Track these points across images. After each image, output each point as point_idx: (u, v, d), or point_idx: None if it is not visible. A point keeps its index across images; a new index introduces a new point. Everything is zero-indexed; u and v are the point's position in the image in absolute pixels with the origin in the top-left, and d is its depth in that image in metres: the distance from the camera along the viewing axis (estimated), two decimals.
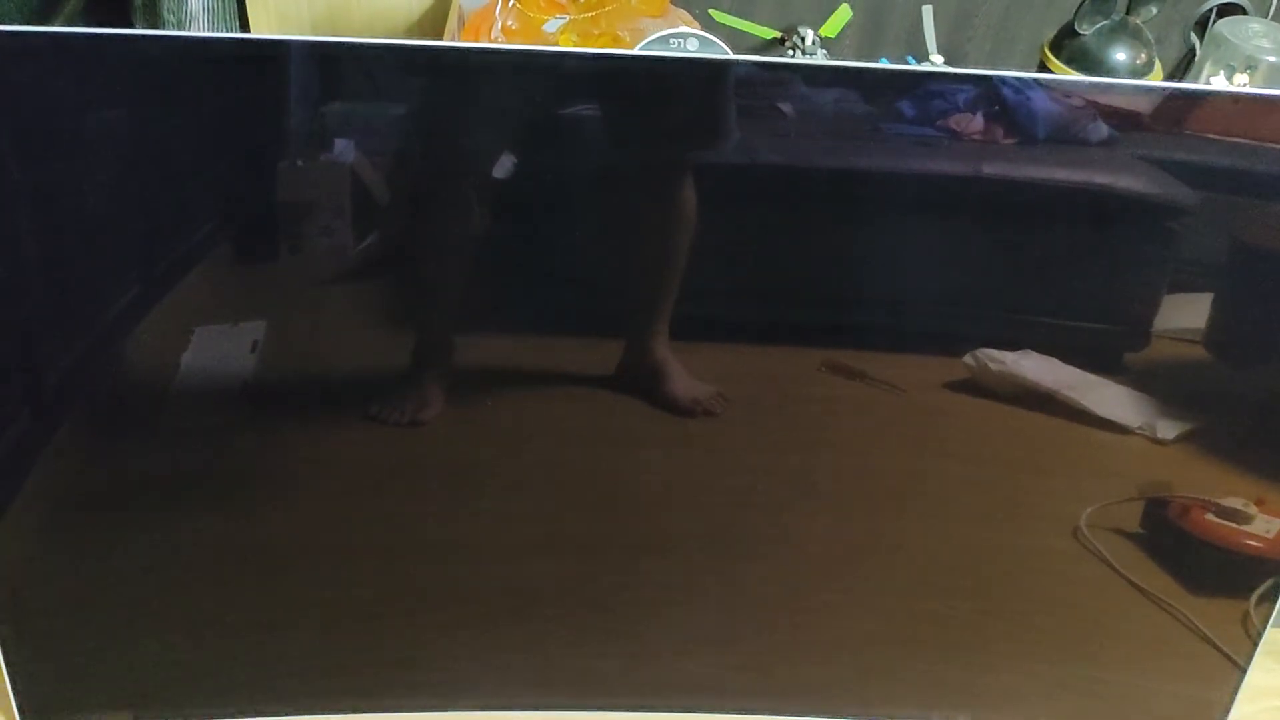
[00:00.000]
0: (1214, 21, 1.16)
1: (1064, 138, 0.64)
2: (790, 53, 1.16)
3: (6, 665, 0.75)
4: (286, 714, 0.81)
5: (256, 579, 0.76)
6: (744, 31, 1.18)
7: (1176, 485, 0.75)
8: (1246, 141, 0.65)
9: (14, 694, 0.77)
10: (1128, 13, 1.10)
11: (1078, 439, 0.72)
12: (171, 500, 0.72)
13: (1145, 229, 0.68)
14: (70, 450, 0.70)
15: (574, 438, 0.73)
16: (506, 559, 0.77)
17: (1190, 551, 0.76)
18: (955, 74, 0.65)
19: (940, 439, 0.73)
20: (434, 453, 0.72)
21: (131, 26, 1.06)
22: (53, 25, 0.98)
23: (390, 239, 0.67)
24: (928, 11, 1.20)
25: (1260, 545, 0.76)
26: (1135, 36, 1.10)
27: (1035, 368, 0.70)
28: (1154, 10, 1.10)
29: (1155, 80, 1.11)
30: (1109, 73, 1.09)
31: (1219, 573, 0.78)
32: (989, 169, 0.65)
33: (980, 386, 0.70)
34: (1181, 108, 0.65)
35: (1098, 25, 1.09)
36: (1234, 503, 0.74)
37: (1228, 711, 0.82)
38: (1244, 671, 0.80)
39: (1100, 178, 0.65)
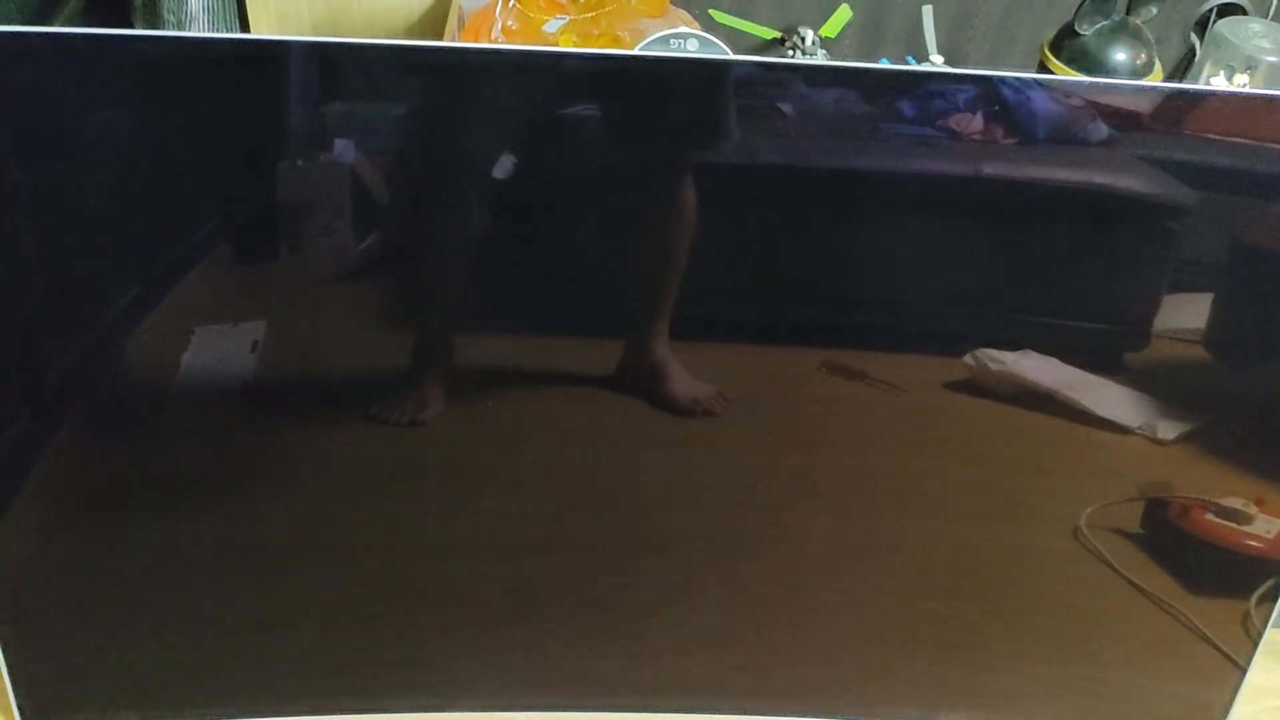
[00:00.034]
0: (1214, 21, 1.16)
1: (1064, 138, 0.64)
2: (790, 53, 1.16)
3: (6, 665, 0.75)
4: (286, 714, 0.81)
5: (257, 579, 0.76)
6: (744, 31, 1.18)
7: (1176, 485, 0.75)
8: (1246, 141, 0.65)
9: (14, 694, 0.77)
10: (1128, 13, 1.10)
11: (1078, 439, 0.72)
12: (172, 500, 0.72)
13: (1145, 229, 0.68)
14: (70, 450, 0.70)
15: (574, 438, 0.73)
16: (506, 559, 0.77)
17: (1190, 551, 0.76)
18: (955, 74, 0.65)
19: (940, 439, 0.73)
20: (434, 453, 0.72)
21: (131, 27, 1.06)
22: (53, 25, 0.98)
23: (390, 239, 0.67)
24: (928, 11, 1.20)
25: (1260, 545, 0.76)
26: (1135, 37, 1.10)
27: (1035, 368, 0.70)
28: (1154, 10, 1.10)
29: (1155, 80, 1.11)
30: (1109, 73, 1.09)
31: (1219, 573, 0.78)
32: (989, 169, 0.65)
33: (980, 386, 0.70)
34: (1181, 108, 0.65)
35: (1098, 25, 1.09)
36: (1234, 503, 0.74)
37: (1228, 711, 0.82)
38: (1244, 671, 0.80)
39: (1100, 178, 0.65)
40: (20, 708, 0.77)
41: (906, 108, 0.63)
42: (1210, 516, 0.75)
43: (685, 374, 0.69)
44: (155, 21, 1.05)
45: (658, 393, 0.70)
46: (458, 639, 0.80)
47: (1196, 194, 0.66)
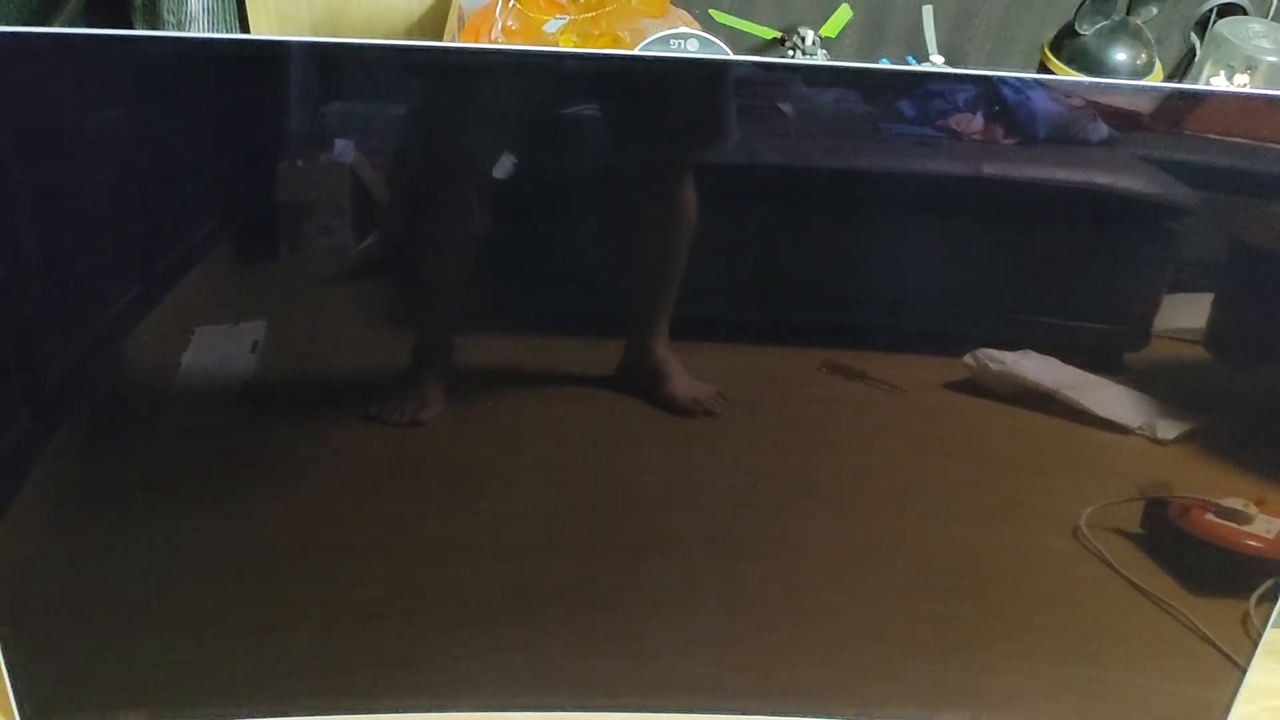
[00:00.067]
0: (1214, 22, 1.16)
1: (1064, 138, 0.64)
2: (790, 53, 1.16)
3: (6, 665, 0.75)
4: (286, 714, 0.81)
5: (257, 579, 0.76)
6: (744, 32, 1.18)
7: (1176, 485, 0.75)
8: (1246, 141, 0.65)
9: (14, 694, 0.77)
10: (1128, 13, 1.10)
11: (1078, 439, 0.72)
12: (172, 500, 0.72)
13: (1145, 229, 0.68)
14: (70, 450, 0.70)
15: (574, 438, 0.73)
16: (506, 559, 0.77)
17: (1190, 551, 0.76)
18: (955, 74, 0.65)
19: (940, 439, 0.73)
20: (434, 453, 0.72)
21: (131, 27, 1.06)
22: (52, 26, 0.98)
23: (390, 239, 0.67)
24: (928, 11, 1.20)
25: (1260, 545, 0.76)
26: (1135, 37, 1.10)
27: (1035, 368, 0.70)
28: (1154, 10, 1.10)
29: (1155, 80, 1.11)
30: (1109, 73, 1.09)
31: (1219, 573, 0.78)
32: (989, 169, 0.65)
33: (980, 386, 0.70)
34: (1181, 108, 0.65)
35: (1098, 25, 1.09)
36: (1234, 503, 0.74)
37: (1228, 711, 0.82)
38: (1244, 671, 0.80)
39: (1100, 178, 0.65)
40: (20, 708, 0.77)
41: (906, 108, 0.63)
42: (1210, 516, 0.75)
43: (685, 374, 0.69)
44: (155, 22, 1.05)
45: (658, 393, 0.70)
46: (458, 639, 0.80)
47: (1196, 194, 0.66)
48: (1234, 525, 0.75)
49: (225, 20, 1.08)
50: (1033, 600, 0.80)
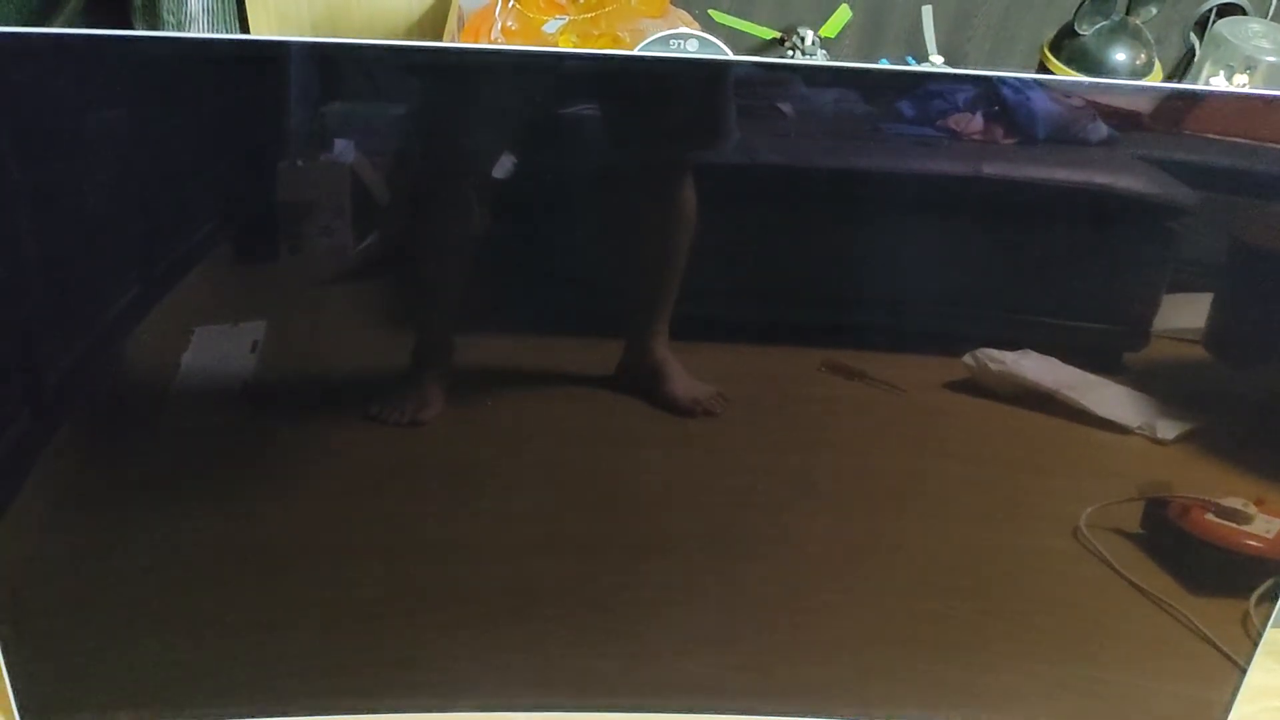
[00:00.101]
0: (1214, 22, 1.16)
1: (1064, 138, 0.64)
2: (790, 53, 1.16)
3: (6, 665, 0.75)
4: (286, 714, 0.81)
5: (257, 579, 0.76)
6: (744, 32, 1.18)
7: (1176, 485, 0.75)
8: (1246, 141, 0.65)
9: (14, 694, 0.77)
10: (1127, 13, 1.10)
11: (1078, 439, 0.72)
12: (171, 500, 0.72)
13: (1145, 229, 0.68)
14: (70, 450, 0.70)
15: (574, 438, 0.73)
16: (506, 559, 0.77)
17: (1190, 551, 0.76)
18: (955, 74, 0.65)
19: (940, 439, 0.73)
20: (434, 453, 0.72)
21: (131, 27, 1.06)
22: (52, 26, 0.98)
23: (390, 239, 0.67)
24: (927, 12, 1.20)
25: (1260, 545, 0.76)
26: (1135, 37, 1.10)
27: (1035, 368, 0.70)
28: (1154, 10, 1.10)
29: (1155, 80, 1.11)
30: (1109, 73, 1.09)
31: (1219, 573, 0.78)
32: (989, 169, 0.65)
33: (980, 386, 0.70)
34: (1181, 108, 0.65)
35: (1097, 25, 1.09)
36: (1234, 503, 0.74)
37: (1228, 711, 0.82)
38: (1244, 671, 0.80)
39: (1100, 178, 0.65)
40: (20, 708, 0.77)
41: (906, 108, 0.63)
42: (1210, 516, 0.75)
43: (685, 374, 0.69)
44: (155, 22, 1.05)
45: (658, 393, 0.70)
46: (458, 639, 0.80)
47: (1196, 194, 0.66)
48: (1234, 525, 0.75)
49: (225, 20, 1.08)
50: (1033, 600, 0.80)
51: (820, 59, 1.13)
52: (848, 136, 0.65)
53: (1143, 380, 0.71)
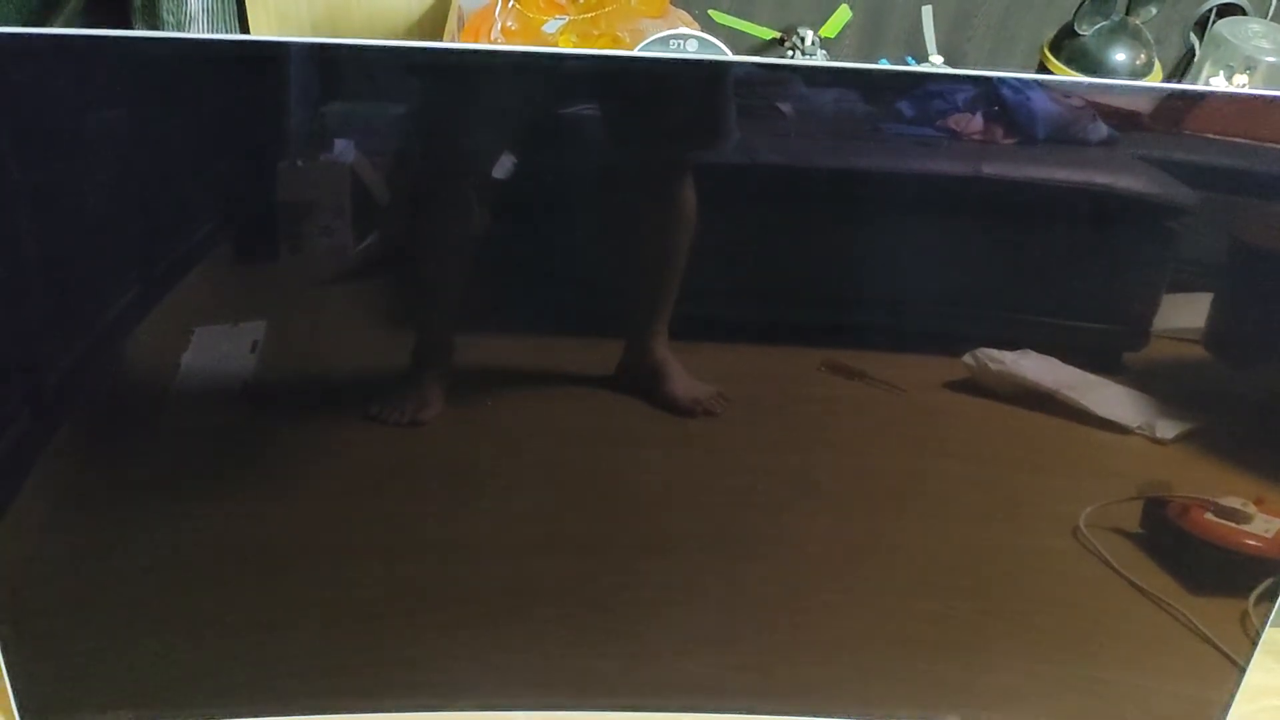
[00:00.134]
0: (1213, 22, 1.16)
1: (1064, 138, 0.64)
2: (790, 53, 1.16)
3: (6, 665, 0.75)
4: (286, 714, 0.81)
5: (257, 579, 0.76)
6: (743, 32, 1.18)
7: (1176, 485, 0.75)
8: (1246, 141, 0.65)
9: (14, 694, 0.77)
10: (1127, 13, 1.10)
11: (1078, 439, 0.72)
12: (171, 500, 0.72)
13: (1145, 229, 0.68)
14: (70, 450, 0.70)
15: (574, 438, 0.73)
16: (506, 559, 0.77)
17: (1189, 551, 0.76)
18: (955, 74, 0.65)
19: (940, 439, 0.73)
20: (434, 453, 0.72)
21: (131, 27, 1.06)
22: (52, 26, 0.98)
23: (390, 239, 0.67)
24: (927, 12, 1.20)
25: (1259, 545, 0.76)
26: (1135, 37, 1.10)
27: (1035, 367, 0.70)
28: (1153, 11, 1.10)
29: (1155, 80, 1.11)
30: (1109, 73, 1.09)
31: (1218, 572, 0.78)
32: (989, 169, 0.65)
33: (980, 386, 0.70)
34: (1181, 108, 0.65)
35: (1097, 26, 1.09)
36: (1233, 502, 0.75)
37: (1227, 711, 0.82)
38: (1243, 671, 0.80)
39: (1100, 178, 0.65)
40: (20, 708, 0.77)
41: (906, 108, 0.63)
42: (1209, 516, 0.75)
43: (685, 374, 0.69)
44: (155, 22, 1.05)
45: (658, 393, 0.70)
46: (458, 639, 0.80)
47: (1196, 194, 0.66)
48: (1233, 524, 0.75)
49: (225, 20, 1.08)
50: (1032, 600, 0.80)
51: (820, 59, 1.13)
52: (848, 136, 0.65)
53: (1142, 380, 0.71)
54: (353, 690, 0.81)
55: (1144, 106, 0.65)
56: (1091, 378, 0.70)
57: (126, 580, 0.75)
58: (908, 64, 1.17)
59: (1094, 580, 0.77)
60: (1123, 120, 0.64)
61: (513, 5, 0.99)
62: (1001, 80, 0.62)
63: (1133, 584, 0.77)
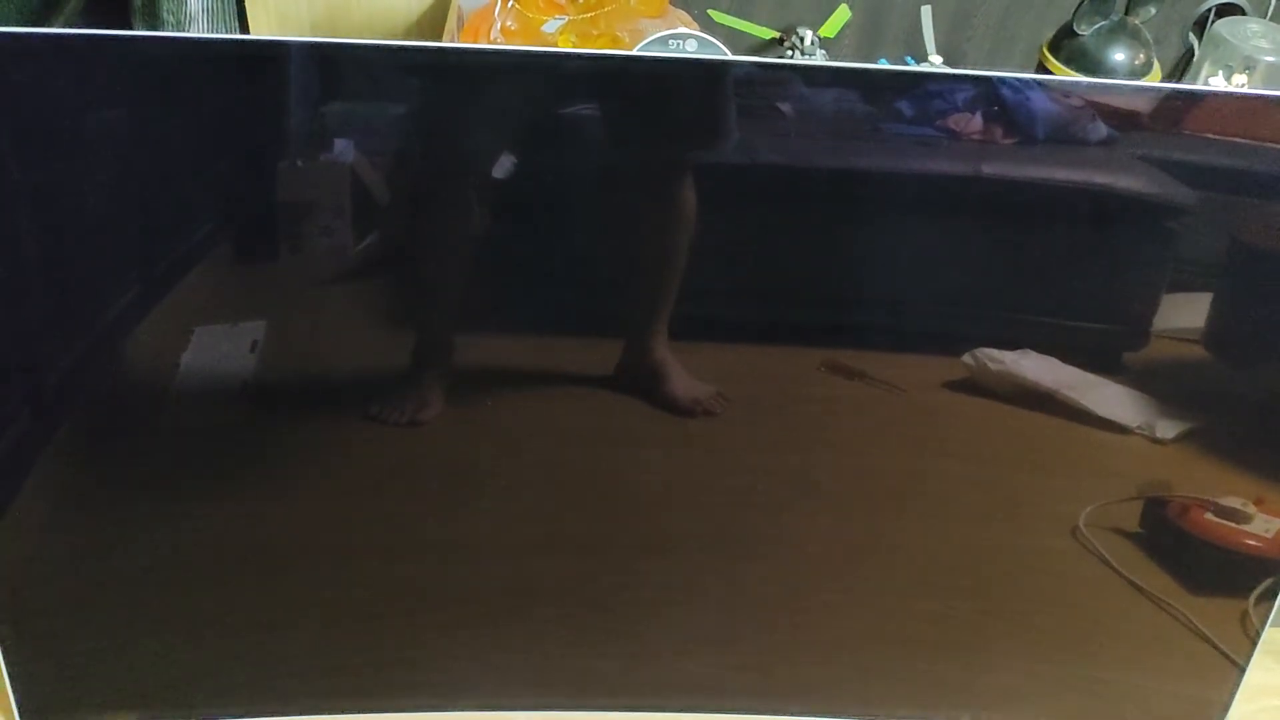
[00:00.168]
0: (1212, 22, 1.16)
1: (1063, 138, 0.64)
2: (789, 53, 1.16)
3: (6, 665, 0.75)
4: (286, 714, 0.81)
5: (257, 579, 0.76)
6: (743, 32, 1.18)
7: (1176, 485, 0.75)
8: (1245, 141, 0.65)
9: (14, 694, 0.77)
10: (1126, 13, 1.10)
11: (1077, 439, 0.72)
12: (171, 500, 0.72)
13: (1145, 229, 0.68)
14: (70, 450, 0.70)
15: (574, 438, 0.73)
16: (506, 559, 0.77)
17: (1189, 551, 0.76)
18: (955, 74, 0.65)
19: (940, 439, 0.73)
20: (434, 453, 0.72)
21: (131, 27, 1.06)
22: (52, 26, 0.98)
23: (390, 239, 0.67)
24: (926, 12, 1.20)
25: (1259, 545, 0.76)
26: (1134, 37, 1.10)
27: (1035, 367, 0.70)
28: (1152, 10, 1.10)
29: (1154, 80, 1.11)
30: (1108, 73, 1.09)
31: (1218, 572, 0.78)
32: (989, 169, 0.65)
33: (980, 386, 0.70)
34: (1180, 108, 0.65)
35: (1096, 26, 1.09)
36: (1233, 502, 0.75)
37: (1227, 710, 0.82)
38: (1243, 670, 0.80)
39: (1100, 178, 0.66)
40: (20, 708, 0.77)
41: (906, 108, 0.63)
42: (1209, 516, 0.75)
43: (685, 374, 0.69)
44: (154, 22, 1.05)
45: (658, 393, 0.70)
46: (458, 639, 0.80)
47: (1195, 194, 0.66)
48: (1233, 524, 0.75)
49: (225, 20, 1.08)
50: (1032, 600, 0.80)
51: (819, 59, 1.13)
52: (847, 136, 0.65)
53: (1142, 380, 0.71)
54: (353, 690, 0.81)
55: (1143, 106, 0.65)
56: (1091, 378, 0.70)
57: (126, 580, 0.75)
58: (907, 64, 1.17)
59: (1094, 580, 0.77)
60: (1122, 120, 0.64)
61: (512, 5, 0.99)
62: (1001, 80, 0.62)
63: (1133, 584, 0.77)
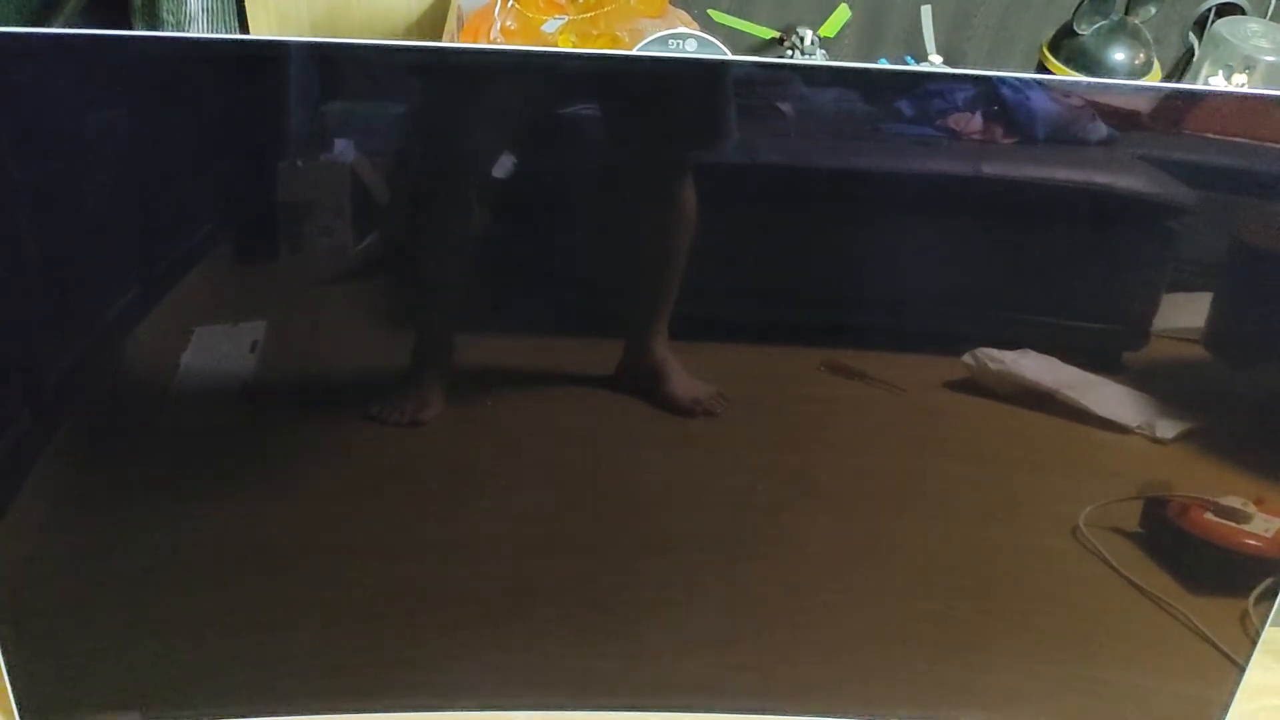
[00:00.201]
0: (1212, 21, 1.16)
1: (1063, 138, 0.64)
2: (789, 53, 1.16)
3: (6, 665, 0.75)
4: (286, 714, 0.81)
5: (257, 579, 0.76)
6: (743, 31, 1.18)
7: (1175, 484, 0.75)
8: (1245, 141, 0.65)
9: (14, 694, 0.77)
10: (1126, 13, 1.10)
11: (1077, 438, 0.72)
12: (171, 500, 0.72)
13: (1145, 229, 0.68)
14: (70, 450, 0.70)
15: (574, 438, 0.73)
16: (506, 559, 0.77)
17: (1189, 551, 0.76)
18: (955, 74, 0.65)
19: (940, 439, 0.73)
20: (434, 453, 0.72)
21: (131, 27, 1.06)
22: (52, 26, 0.98)
23: (390, 239, 0.67)
24: (926, 12, 1.20)
25: (1259, 544, 0.76)
26: (1134, 36, 1.10)
27: (1035, 367, 0.70)
28: (1152, 10, 1.10)
29: (1154, 80, 1.11)
30: (1108, 73, 1.09)
31: (1218, 572, 0.78)
32: (989, 169, 0.65)
33: (980, 386, 0.70)
34: (1180, 108, 0.65)
35: (1096, 25, 1.09)
36: (1233, 502, 0.75)
37: (1227, 710, 0.82)
38: (1243, 670, 0.80)
39: (1100, 178, 0.66)
40: (20, 708, 0.77)
41: (906, 108, 0.63)
42: (1209, 515, 0.75)
43: (685, 374, 0.69)
44: (154, 22, 1.05)
45: (658, 393, 0.70)
46: (458, 639, 0.80)
47: (1195, 193, 0.66)
48: (1233, 524, 0.75)
49: (225, 20, 1.08)
50: (1032, 600, 0.80)
51: (819, 59, 1.13)
52: (847, 136, 0.65)
53: (1142, 380, 0.71)
54: (353, 690, 0.81)
55: (1143, 106, 0.65)
56: (1091, 377, 0.70)
57: (126, 580, 0.75)
58: (907, 64, 1.17)
59: (1094, 580, 0.77)
60: (1122, 120, 0.64)
61: (512, 5, 0.99)
62: (1001, 80, 0.62)
63: (1133, 584, 0.77)
